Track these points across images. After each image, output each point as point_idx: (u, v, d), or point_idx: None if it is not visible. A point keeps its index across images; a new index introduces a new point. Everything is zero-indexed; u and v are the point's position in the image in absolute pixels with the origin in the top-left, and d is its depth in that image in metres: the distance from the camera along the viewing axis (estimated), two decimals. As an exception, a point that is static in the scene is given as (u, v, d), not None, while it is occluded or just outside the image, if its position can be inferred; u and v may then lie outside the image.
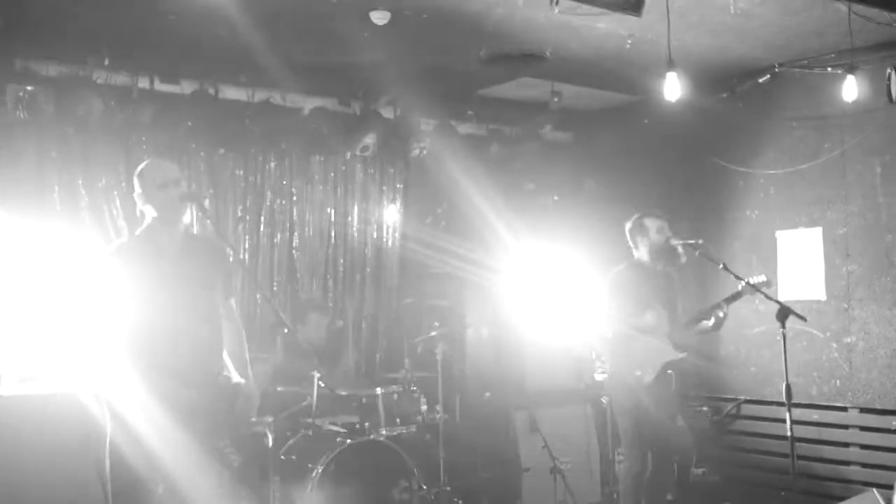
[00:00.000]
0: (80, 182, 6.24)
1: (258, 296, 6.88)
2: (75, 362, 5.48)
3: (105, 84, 6.08)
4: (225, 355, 4.19)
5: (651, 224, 5.79)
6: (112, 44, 5.94)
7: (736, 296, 5.53)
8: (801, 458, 5.75)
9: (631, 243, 5.89)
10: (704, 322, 5.66)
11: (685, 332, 5.68)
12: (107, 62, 6.02)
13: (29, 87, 5.74)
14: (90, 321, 3.90)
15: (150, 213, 4.09)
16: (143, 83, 6.30)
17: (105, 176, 6.34)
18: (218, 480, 3.90)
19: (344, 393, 6.12)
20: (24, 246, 5.87)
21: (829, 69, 6.43)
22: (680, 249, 5.69)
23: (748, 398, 7.20)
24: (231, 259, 4.29)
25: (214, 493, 3.87)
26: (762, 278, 5.61)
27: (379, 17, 5.51)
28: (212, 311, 4.12)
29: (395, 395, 6.18)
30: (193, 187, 6.60)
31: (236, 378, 4.16)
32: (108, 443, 3.87)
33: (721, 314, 5.56)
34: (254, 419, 4.39)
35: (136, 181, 4.09)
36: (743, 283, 5.51)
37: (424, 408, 6.29)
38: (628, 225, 5.90)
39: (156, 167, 4.13)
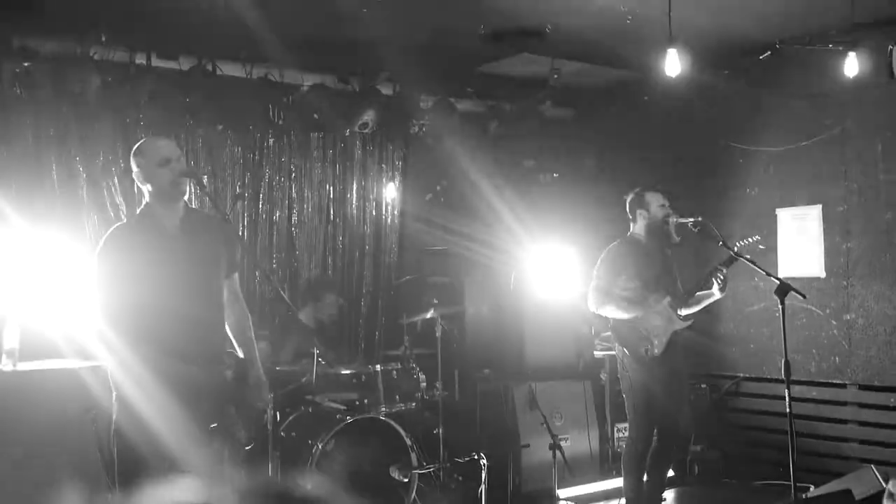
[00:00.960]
0: (77, 159, 6.23)
1: (257, 273, 6.88)
2: (78, 340, 5.48)
3: (102, 60, 6.05)
4: (229, 334, 4.18)
5: (652, 198, 5.75)
6: (109, 20, 5.90)
7: (730, 260, 5.47)
8: (799, 434, 5.74)
9: (630, 216, 5.85)
10: (704, 290, 5.63)
11: (687, 303, 5.66)
12: (104, 39, 5.98)
13: (26, 64, 5.70)
14: (93, 300, 3.87)
15: (148, 191, 4.05)
16: (141, 59, 6.26)
17: (103, 153, 6.33)
18: (222, 458, 3.91)
19: (344, 371, 6.13)
20: (24, 223, 5.86)
21: (831, 46, 6.39)
22: (674, 228, 5.66)
23: (747, 375, 7.23)
24: (232, 232, 4.25)
25: (218, 470, 3.88)
26: (755, 238, 5.56)
27: (378, -7, 5.48)
28: (214, 288, 4.10)
29: (395, 373, 6.18)
30: (192, 164, 6.58)
31: (241, 355, 4.15)
32: (113, 421, 3.87)
33: (721, 277, 5.52)
34: (264, 408, 4.37)
35: (133, 160, 4.04)
36: (737, 246, 5.46)
37: (424, 385, 6.30)
38: (629, 197, 5.86)
39: (154, 145, 4.09)
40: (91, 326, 3.65)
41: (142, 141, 4.16)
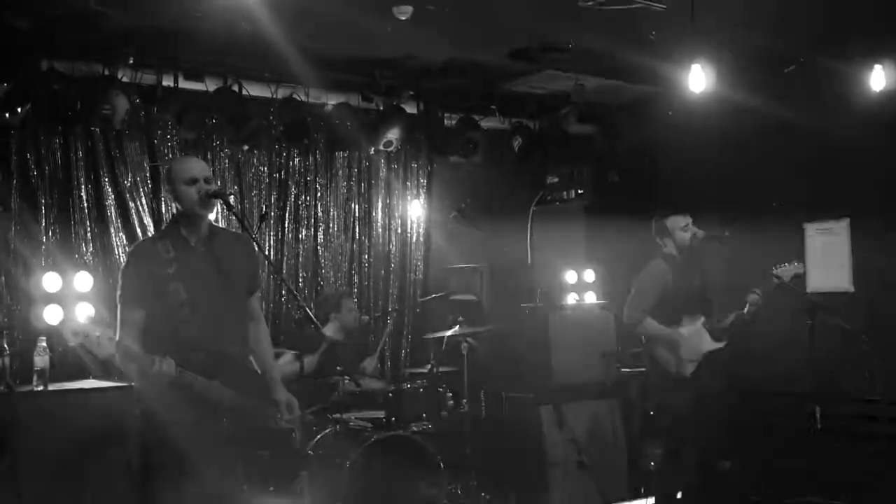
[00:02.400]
0: (106, 180, 6.29)
1: (284, 291, 6.92)
2: (106, 358, 5.51)
3: (130, 82, 6.11)
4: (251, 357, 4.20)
5: (673, 224, 5.77)
6: (137, 42, 5.97)
7: (772, 284, 5.49)
8: (830, 451, 5.71)
9: (659, 241, 5.87)
10: (737, 312, 5.64)
11: (719, 324, 5.66)
12: (131, 61, 6.05)
13: (55, 87, 5.77)
14: (119, 318, 3.90)
15: (177, 209, 4.09)
16: (168, 81, 6.32)
17: (131, 174, 6.39)
18: (246, 475, 3.92)
19: (370, 388, 6.15)
20: (54, 243, 5.93)
21: (857, 58, 6.36)
22: (707, 243, 5.67)
23: (777, 391, 7.15)
24: (256, 252, 4.29)
25: (243, 488, 3.89)
26: (797, 263, 5.58)
27: (401, 12, 5.51)
28: (236, 305, 4.12)
29: (421, 391, 6.18)
30: (219, 184, 6.62)
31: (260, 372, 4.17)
32: (139, 437, 3.89)
33: (755, 297, 5.54)
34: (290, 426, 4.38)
35: (164, 179, 4.10)
36: (774, 270, 5.47)
37: (450, 403, 6.30)
38: (653, 225, 5.89)
39: (183, 164, 4.14)
40: (117, 342, 3.67)
41: (173, 160, 4.22)
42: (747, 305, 5.58)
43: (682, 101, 6.84)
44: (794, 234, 7.02)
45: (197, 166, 4.05)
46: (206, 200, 3.97)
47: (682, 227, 5.72)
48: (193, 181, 3.95)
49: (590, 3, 5.34)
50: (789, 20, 5.95)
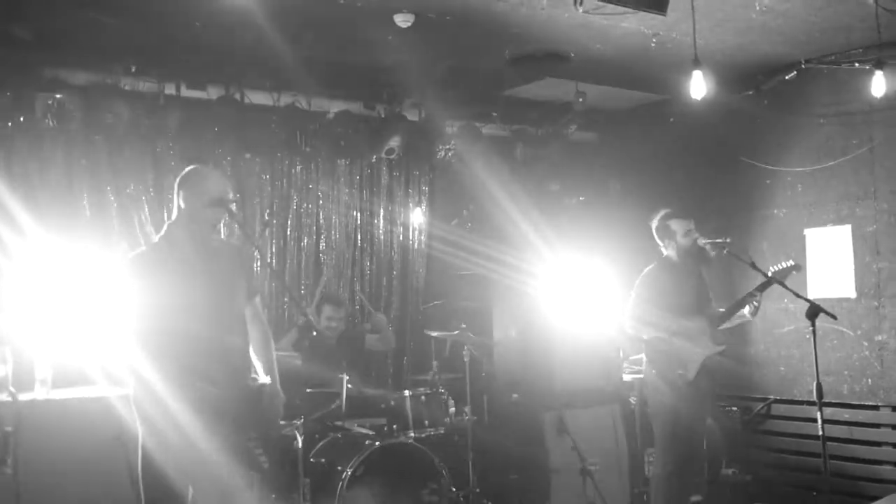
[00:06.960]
0: (108, 189, 6.30)
1: (286, 298, 6.92)
2: (106, 367, 5.53)
3: (132, 91, 6.13)
4: (252, 356, 4.21)
5: (677, 226, 5.78)
6: (139, 51, 5.99)
7: (766, 284, 5.50)
8: (832, 457, 5.68)
9: (659, 243, 5.88)
10: (741, 311, 5.66)
11: (721, 325, 5.67)
12: (134, 69, 6.07)
13: (58, 96, 5.79)
14: (118, 326, 3.91)
15: (184, 218, 4.06)
16: (170, 89, 6.34)
17: (133, 182, 6.40)
18: (248, 483, 3.92)
19: (372, 395, 6.16)
20: (55, 252, 5.93)
21: (857, 65, 6.37)
22: (709, 248, 5.68)
23: (778, 398, 7.15)
24: (254, 258, 4.30)
25: (244, 495, 3.89)
26: (790, 263, 5.59)
27: (403, 20, 5.53)
28: (235, 312, 4.14)
29: (423, 397, 6.18)
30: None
31: (263, 379, 4.17)
32: (139, 447, 3.90)
33: (756, 303, 5.56)
34: (282, 421, 4.38)
35: (179, 190, 4.04)
36: (771, 270, 5.49)
37: (452, 409, 6.28)
38: (654, 225, 5.89)
39: (211, 180, 4.09)
40: (118, 352, 3.69)
41: (190, 170, 4.15)
42: (747, 308, 5.60)
43: (683, 108, 6.86)
44: (795, 240, 7.01)
45: (219, 185, 4.03)
46: (222, 219, 3.97)
47: (685, 230, 5.73)
48: (219, 202, 3.95)
49: (590, 10, 5.36)
50: (790, 26, 5.97)
